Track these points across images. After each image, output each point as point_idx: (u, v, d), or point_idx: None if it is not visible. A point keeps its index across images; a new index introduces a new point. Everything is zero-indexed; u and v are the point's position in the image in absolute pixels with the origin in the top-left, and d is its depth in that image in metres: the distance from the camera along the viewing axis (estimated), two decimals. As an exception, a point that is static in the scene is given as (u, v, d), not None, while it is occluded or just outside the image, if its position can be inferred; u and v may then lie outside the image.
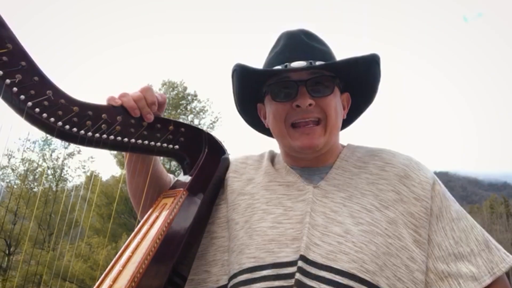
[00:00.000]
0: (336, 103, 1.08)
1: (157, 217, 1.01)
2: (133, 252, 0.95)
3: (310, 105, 1.03)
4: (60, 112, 0.92)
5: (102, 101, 1.02)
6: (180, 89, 23.82)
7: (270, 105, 1.10)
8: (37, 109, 0.90)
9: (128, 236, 1.00)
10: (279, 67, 1.06)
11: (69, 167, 23.70)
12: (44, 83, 0.91)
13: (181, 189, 1.04)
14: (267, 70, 1.09)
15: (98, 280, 0.93)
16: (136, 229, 1.02)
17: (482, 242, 1.02)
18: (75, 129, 0.94)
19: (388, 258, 0.95)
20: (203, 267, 1.06)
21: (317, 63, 1.04)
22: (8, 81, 0.86)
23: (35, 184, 22.85)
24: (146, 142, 1.04)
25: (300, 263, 0.92)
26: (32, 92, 0.89)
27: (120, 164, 22.41)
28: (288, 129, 1.06)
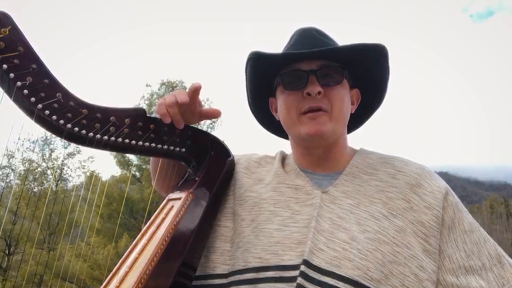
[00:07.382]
0: (344, 95, 1.10)
1: (163, 219, 1.01)
2: (139, 254, 0.95)
3: (319, 93, 1.04)
4: (69, 115, 0.93)
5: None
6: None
7: (282, 96, 1.12)
8: (47, 111, 0.90)
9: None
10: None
11: (69, 167, 23.71)
12: (54, 85, 0.91)
13: (187, 191, 1.05)
14: (278, 53, 1.12)
15: (104, 281, 0.94)
16: (142, 231, 1.02)
17: (495, 256, 1.00)
18: (83, 132, 0.95)
19: (395, 266, 0.94)
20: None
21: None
22: (19, 83, 0.87)
23: (35, 184, 22.84)
24: (153, 144, 1.04)
25: (302, 268, 0.92)
26: (42, 94, 0.90)
27: (120, 164, 22.40)
28: (299, 117, 1.08)
